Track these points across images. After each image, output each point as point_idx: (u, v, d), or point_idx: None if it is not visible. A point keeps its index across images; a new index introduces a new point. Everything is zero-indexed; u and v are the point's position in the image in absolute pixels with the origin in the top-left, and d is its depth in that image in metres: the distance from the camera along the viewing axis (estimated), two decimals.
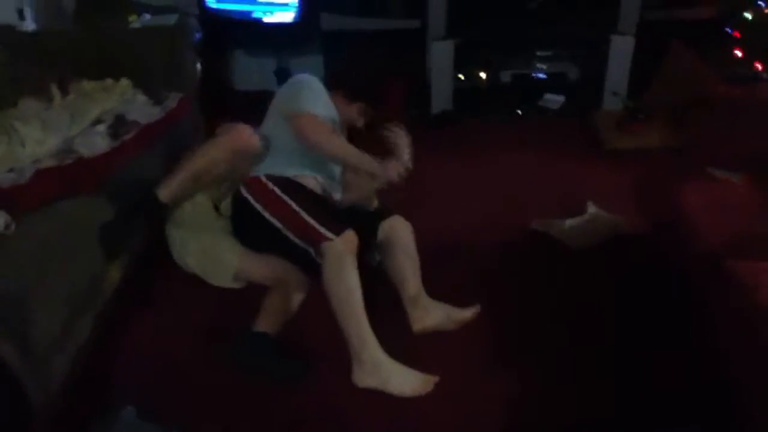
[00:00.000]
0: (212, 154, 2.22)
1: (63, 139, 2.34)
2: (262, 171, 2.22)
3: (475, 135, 3.44)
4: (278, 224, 2.11)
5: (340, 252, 1.99)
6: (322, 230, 2.02)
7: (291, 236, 2.10)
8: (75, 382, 1.83)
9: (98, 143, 2.32)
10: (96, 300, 1.94)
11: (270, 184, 2.17)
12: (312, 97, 2.29)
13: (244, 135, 2.23)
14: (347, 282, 1.98)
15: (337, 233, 2.01)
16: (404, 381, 1.92)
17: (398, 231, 2.27)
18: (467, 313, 2.18)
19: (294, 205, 2.10)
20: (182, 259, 2.36)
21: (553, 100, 3.60)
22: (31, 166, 2.19)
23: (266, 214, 2.13)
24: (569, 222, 2.64)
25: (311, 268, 2.11)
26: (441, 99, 3.54)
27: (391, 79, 3.26)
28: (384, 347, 1.95)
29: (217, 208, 2.37)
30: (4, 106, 2.50)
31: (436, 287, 2.24)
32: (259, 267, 2.31)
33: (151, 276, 2.39)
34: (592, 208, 2.69)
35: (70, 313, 1.79)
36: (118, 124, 2.44)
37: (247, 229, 2.28)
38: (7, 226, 1.89)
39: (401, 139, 2.28)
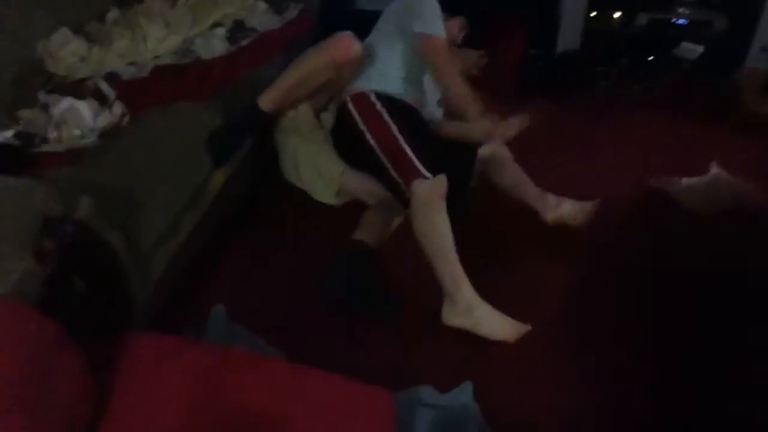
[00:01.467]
0: (313, 64, 2.17)
1: (183, 38, 2.37)
2: (371, 86, 2.16)
3: (598, 81, 3.23)
4: (375, 147, 2.06)
5: (431, 194, 1.93)
6: (419, 165, 1.97)
7: (385, 162, 2.04)
8: (174, 279, 1.89)
9: (216, 46, 2.34)
10: (199, 202, 1.97)
11: (378, 105, 2.11)
12: (439, 20, 2.21)
13: (345, 45, 2.13)
14: (438, 225, 1.92)
15: (433, 173, 1.96)
16: (496, 324, 1.87)
17: (498, 153, 2.28)
18: (592, 206, 2.20)
19: (396, 132, 2.05)
20: (290, 169, 2.35)
21: (691, 49, 3.29)
22: (151, 61, 2.24)
23: (367, 134, 2.08)
24: (687, 181, 2.45)
25: (397, 198, 2.07)
26: (568, 38, 3.32)
27: (514, 21, 3.11)
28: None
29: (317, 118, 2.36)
30: (130, 3, 2.54)
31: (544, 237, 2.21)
32: (362, 184, 2.25)
33: (253, 187, 2.41)
34: (715, 170, 2.48)
35: (174, 211, 1.83)
36: (237, 30, 2.45)
37: (347, 143, 2.24)
38: (123, 116, 1.95)
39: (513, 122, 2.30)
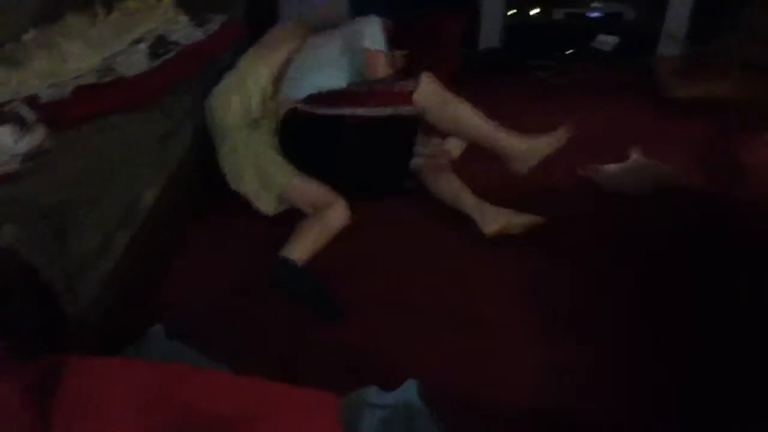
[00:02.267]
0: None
1: (103, 57, 2.34)
2: (318, 88, 2.32)
3: (521, 75, 3.32)
4: (359, 110, 2.19)
5: (433, 88, 2.17)
6: (399, 88, 2.18)
7: (378, 112, 2.17)
8: (109, 300, 1.85)
9: (138, 63, 2.31)
10: (131, 219, 1.95)
11: (325, 91, 2.31)
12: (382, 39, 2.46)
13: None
14: (457, 102, 2.19)
15: (416, 79, 2.16)
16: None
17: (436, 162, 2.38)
18: (531, 218, 2.19)
19: (362, 88, 2.28)
20: (233, 176, 2.36)
21: (606, 41, 3.42)
22: (71, 82, 2.20)
23: (337, 110, 2.21)
24: (610, 167, 2.55)
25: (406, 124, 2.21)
26: (489, 35, 3.41)
27: (447, 13, 3.18)
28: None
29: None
30: (49, 22, 2.49)
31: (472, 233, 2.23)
32: (308, 192, 2.29)
33: (190, 199, 2.39)
34: (635, 155, 2.59)
35: (106, 229, 1.80)
36: (159, 44, 2.42)
37: (312, 140, 2.30)
38: (44, 141, 1.91)
39: None
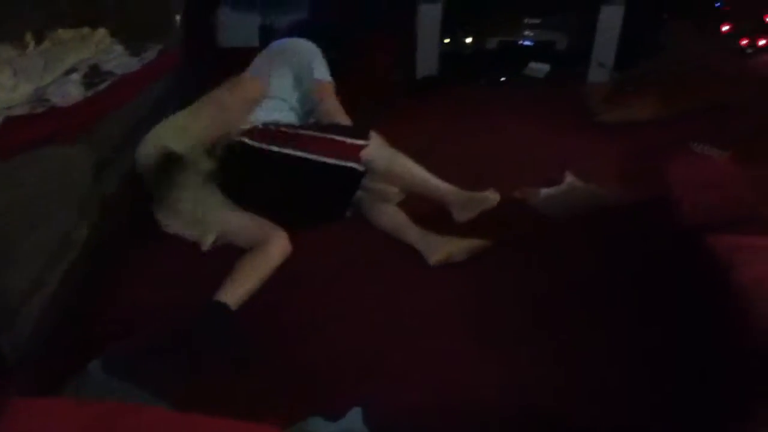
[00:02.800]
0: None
1: (35, 87, 2.29)
2: (262, 119, 2.38)
3: (457, 102, 3.39)
4: (304, 154, 2.21)
5: (381, 148, 2.26)
6: (353, 141, 2.23)
7: (324, 159, 2.20)
8: (46, 334, 1.80)
9: (72, 92, 2.27)
10: (68, 251, 1.90)
11: (273, 127, 2.32)
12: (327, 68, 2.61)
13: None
14: (406, 161, 2.28)
15: (366, 137, 2.24)
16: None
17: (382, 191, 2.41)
18: (476, 242, 2.22)
19: (311, 132, 2.30)
20: (166, 216, 2.33)
21: (539, 68, 3.55)
22: (2, 112, 2.14)
23: (286, 150, 2.22)
24: (545, 191, 2.62)
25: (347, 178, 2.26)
26: (426, 63, 3.49)
27: (380, 36, 3.25)
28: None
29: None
30: None
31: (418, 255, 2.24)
32: (243, 222, 2.27)
33: (124, 231, 2.34)
34: (569, 178, 2.67)
35: (41, 262, 1.75)
36: (93, 74, 2.39)
37: (251, 176, 2.29)
38: None
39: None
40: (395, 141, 2.37)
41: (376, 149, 2.25)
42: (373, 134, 2.27)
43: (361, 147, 2.23)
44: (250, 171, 2.29)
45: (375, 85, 3.28)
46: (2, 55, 2.43)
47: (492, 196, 2.27)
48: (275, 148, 2.24)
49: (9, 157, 1.95)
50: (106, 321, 2.03)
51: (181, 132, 2.37)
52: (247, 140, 2.28)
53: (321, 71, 2.58)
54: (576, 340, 1.91)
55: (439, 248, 2.22)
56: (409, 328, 1.97)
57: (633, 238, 2.30)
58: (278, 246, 2.18)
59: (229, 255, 2.18)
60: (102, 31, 2.67)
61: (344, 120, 2.53)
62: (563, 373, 1.80)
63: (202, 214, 2.28)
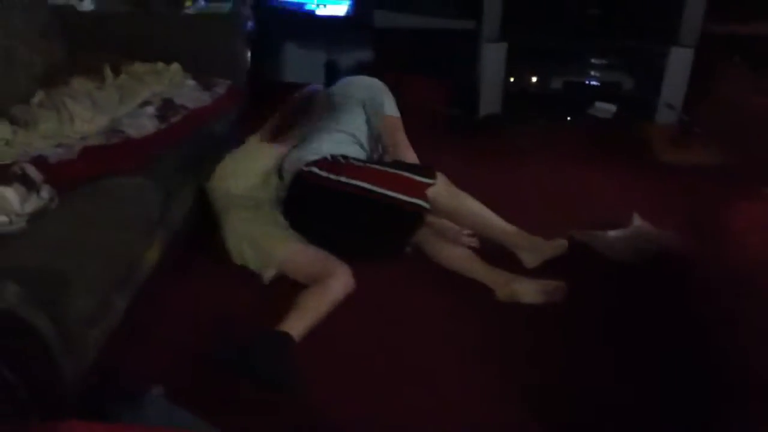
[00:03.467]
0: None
1: (111, 118, 2.37)
2: (329, 151, 2.39)
3: (521, 140, 3.37)
4: (371, 188, 2.23)
5: (448, 189, 2.27)
6: (419, 179, 2.24)
7: (390, 194, 2.22)
8: (108, 361, 1.84)
9: (145, 125, 2.34)
10: (133, 279, 1.95)
11: (343, 159, 2.35)
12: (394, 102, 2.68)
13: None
14: (471, 203, 2.30)
15: (433, 176, 2.25)
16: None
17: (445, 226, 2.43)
18: (550, 283, 2.21)
19: (379, 168, 2.34)
20: (234, 249, 2.38)
21: (604, 109, 3.50)
22: (78, 142, 2.23)
23: (355, 183, 2.25)
24: (612, 234, 2.55)
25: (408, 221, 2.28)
26: (490, 102, 3.48)
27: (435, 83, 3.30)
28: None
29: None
30: (57, 84, 2.54)
31: (477, 292, 2.24)
32: (307, 257, 2.30)
33: (189, 258, 2.40)
34: (637, 221, 2.60)
35: (106, 290, 1.80)
36: (166, 107, 2.46)
37: (319, 205, 2.33)
38: (51, 200, 1.92)
39: None
40: (456, 181, 2.36)
41: (443, 188, 2.27)
42: (439, 174, 2.29)
43: (428, 185, 2.24)
44: (317, 200, 2.33)
45: (433, 125, 3.30)
46: (81, 88, 2.52)
47: (562, 243, 2.29)
48: (343, 179, 2.27)
49: (82, 184, 2.03)
50: (168, 348, 2.07)
51: (237, 173, 2.44)
52: (315, 170, 2.32)
53: (390, 107, 2.65)
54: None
55: (507, 284, 2.23)
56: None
57: (692, 284, 2.23)
58: (342, 282, 2.19)
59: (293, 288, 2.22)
60: (175, 66, 2.76)
61: (412, 155, 2.57)
62: None
63: (269, 246, 2.32)
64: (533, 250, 2.30)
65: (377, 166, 2.37)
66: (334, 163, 2.35)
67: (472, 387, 1.91)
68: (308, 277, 2.24)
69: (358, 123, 2.61)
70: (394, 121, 2.62)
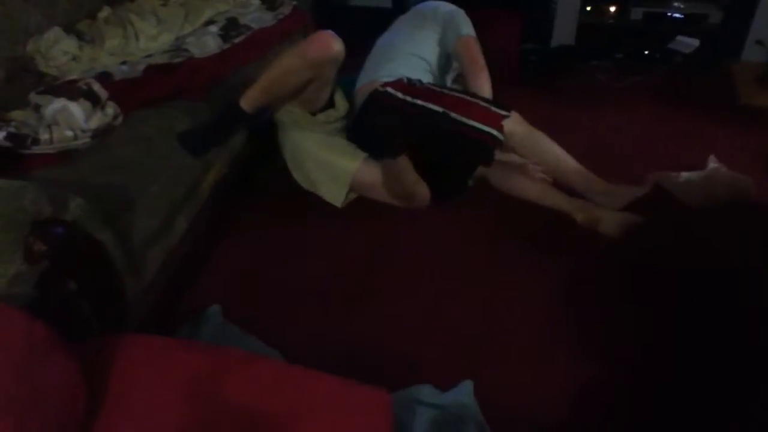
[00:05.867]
0: (289, 64, 2.12)
1: (176, 36, 2.35)
2: (404, 74, 2.33)
3: (595, 77, 3.21)
4: (448, 112, 2.19)
5: (522, 124, 2.22)
6: (496, 110, 2.22)
7: (465, 120, 2.18)
8: (168, 279, 1.87)
9: (209, 44, 2.32)
10: (192, 202, 1.96)
11: (419, 83, 2.31)
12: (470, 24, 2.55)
13: (322, 44, 2.10)
14: (546, 142, 2.24)
15: (508, 109, 2.22)
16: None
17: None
18: (630, 216, 2.18)
19: (457, 94, 2.28)
20: (295, 168, 2.36)
21: (686, 43, 3.27)
22: (143, 60, 2.22)
23: (430, 105, 2.21)
24: (685, 175, 2.42)
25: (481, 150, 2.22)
26: (563, 32, 3.31)
27: (508, 15, 3.15)
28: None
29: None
30: (122, 1, 2.53)
31: (545, 232, 2.20)
32: (378, 177, 2.25)
33: (248, 183, 2.40)
34: (713, 164, 2.46)
35: (166, 210, 1.81)
36: (230, 27, 2.43)
37: (386, 128, 2.24)
38: (115, 117, 1.93)
39: None
40: (529, 119, 2.29)
41: (518, 122, 2.22)
42: (514, 111, 2.23)
43: (504, 117, 2.20)
44: (390, 121, 2.25)
45: (505, 60, 3.16)
46: (147, 5, 2.50)
47: (636, 189, 2.21)
48: (419, 102, 2.22)
49: (147, 105, 2.03)
50: (223, 269, 2.10)
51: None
52: (391, 90, 2.27)
53: (467, 28, 2.53)
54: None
55: (591, 210, 2.20)
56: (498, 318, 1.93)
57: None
58: (423, 196, 2.23)
59: (345, 220, 2.22)
60: None
61: (486, 77, 2.44)
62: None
63: (338, 160, 2.28)
64: (607, 194, 2.22)
65: (455, 93, 2.31)
66: (410, 85, 2.29)
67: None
68: (385, 192, 2.24)
69: (429, 47, 2.52)
70: (471, 42, 2.49)
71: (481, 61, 2.45)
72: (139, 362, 1.29)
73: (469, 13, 2.62)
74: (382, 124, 2.22)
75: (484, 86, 2.42)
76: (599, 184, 2.24)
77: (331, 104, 2.32)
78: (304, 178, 2.35)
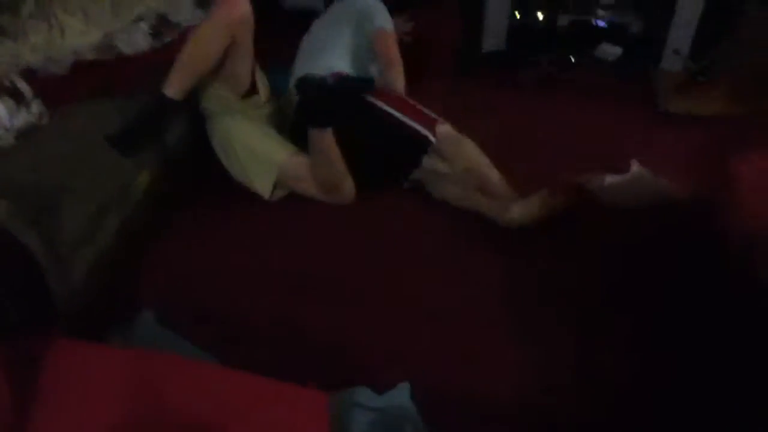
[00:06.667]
0: (201, 34, 2.12)
1: (104, 33, 2.29)
2: (335, 67, 2.37)
3: (520, 81, 3.29)
4: (390, 110, 2.26)
5: (453, 130, 2.29)
6: (431, 114, 2.31)
7: (405, 120, 2.26)
8: (97, 282, 1.82)
9: (139, 42, 2.28)
10: (125, 202, 1.92)
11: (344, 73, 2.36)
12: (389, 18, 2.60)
13: (232, 3, 2.12)
14: (472, 148, 2.28)
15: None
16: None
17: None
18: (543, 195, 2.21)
19: (401, 96, 2.37)
20: (223, 156, 2.31)
21: (610, 51, 3.41)
22: (70, 57, 2.16)
23: (376, 101, 2.28)
24: (609, 179, 2.52)
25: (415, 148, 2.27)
26: (494, 37, 3.39)
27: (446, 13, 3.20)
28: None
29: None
30: None
31: (467, 235, 2.20)
32: (309, 160, 2.25)
33: (182, 183, 2.35)
34: (635, 167, 2.56)
35: (97, 212, 1.77)
36: (161, 24, 2.39)
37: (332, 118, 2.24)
38: (40, 116, 1.87)
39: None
40: (458, 118, 2.35)
41: (448, 128, 2.29)
42: (445, 122, 2.32)
43: (436, 121, 2.28)
44: (322, 92, 2.26)
45: (437, 58, 3.22)
46: (75, 1, 2.42)
47: (557, 198, 2.24)
48: (366, 97, 2.28)
49: (73, 102, 1.97)
50: (157, 271, 2.05)
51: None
52: (331, 81, 2.29)
53: (383, 20, 2.56)
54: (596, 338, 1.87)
55: (510, 209, 2.20)
56: (438, 313, 1.94)
57: (685, 236, 2.23)
58: (349, 190, 2.26)
59: (287, 224, 2.20)
60: None
61: (400, 70, 2.49)
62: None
63: (267, 149, 2.27)
64: (523, 206, 2.24)
65: (388, 91, 2.37)
66: (348, 79, 2.35)
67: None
68: (311, 184, 2.24)
69: (354, 40, 2.55)
70: (385, 35, 2.54)
71: (393, 54, 2.50)
72: (70, 366, 1.26)
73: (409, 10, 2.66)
74: (313, 95, 2.24)
75: (396, 79, 2.46)
76: (516, 199, 2.26)
77: (254, 90, 2.32)
78: (234, 168, 2.30)
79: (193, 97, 2.30)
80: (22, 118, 1.83)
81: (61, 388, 1.23)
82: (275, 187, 2.26)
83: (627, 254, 2.21)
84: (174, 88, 2.08)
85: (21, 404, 1.16)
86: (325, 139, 2.18)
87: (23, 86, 1.89)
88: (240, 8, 2.12)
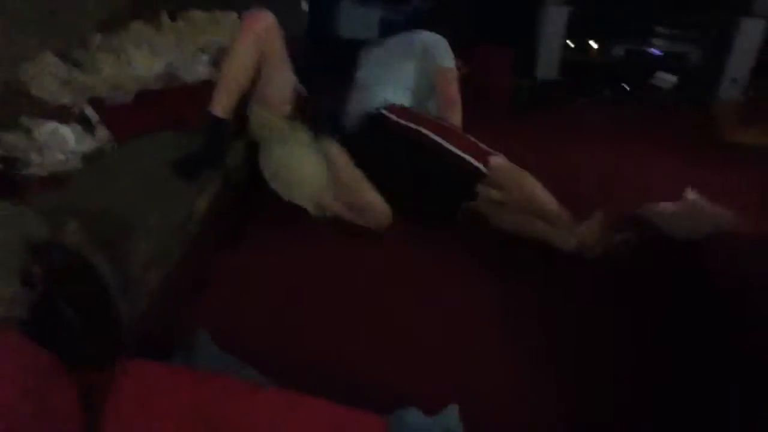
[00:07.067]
0: (233, 51, 2.19)
1: (167, 63, 2.37)
2: (400, 101, 2.41)
3: (577, 114, 3.27)
4: (442, 141, 2.24)
5: (512, 164, 2.23)
6: (485, 147, 2.25)
7: (457, 152, 2.23)
8: (162, 306, 1.85)
9: (200, 71, 2.34)
10: (187, 227, 1.95)
11: (415, 109, 2.41)
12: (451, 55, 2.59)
13: (258, 17, 2.20)
14: (532, 183, 2.21)
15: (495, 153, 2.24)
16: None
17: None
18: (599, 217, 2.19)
19: (450, 126, 2.38)
20: (271, 177, 2.36)
21: (665, 79, 3.37)
22: (135, 86, 2.23)
23: (427, 133, 2.26)
24: (665, 206, 2.46)
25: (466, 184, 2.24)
26: (547, 67, 3.38)
27: (499, 48, 3.22)
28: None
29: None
30: (116, 29, 2.54)
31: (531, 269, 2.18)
32: (348, 189, 2.29)
33: (242, 207, 2.39)
34: (691, 195, 2.50)
35: (162, 236, 1.81)
36: (220, 54, 2.45)
37: (383, 148, 2.32)
38: (106, 141, 1.93)
39: None
40: (512, 153, 2.32)
41: (505, 159, 2.25)
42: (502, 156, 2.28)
43: (491, 153, 2.24)
44: (382, 144, 2.32)
45: (493, 96, 3.22)
46: (139, 32, 2.52)
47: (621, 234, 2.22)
48: (413, 126, 2.28)
49: (139, 128, 2.04)
50: (217, 294, 2.08)
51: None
52: (386, 113, 2.33)
53: (446, 59, 2.58)
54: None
55: (575, 233, 2.18)
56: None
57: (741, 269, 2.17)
58: (380, 213, 2.25)
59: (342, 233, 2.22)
60: (233, 16, 2.74)
61: (457, 112, 2.52)
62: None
63: (304, 177, 2.31)
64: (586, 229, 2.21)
65: (448, 125, 2.38)
66: (406, 109, 2.36)
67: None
68: (348, 207, 2.27)
69: (415, 77, 2.57)
70: (446, 74, 2.56)
71: (452, 93, 2.53)
72: (136, 388, 1.28)
73: (463, 48, 2.67)
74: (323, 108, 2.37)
75: (453, 119, 2.49)
76: (575, 231, 2.21)
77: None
78: (280, 191, 2.36)
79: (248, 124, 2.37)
80: (88, 143, 1.89)
81: (129, 410, 1.25)
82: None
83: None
84: (218, 106, 2.14)
85: (93, 427, 1.18)
86: (339, 157, 2.28)
87: (91, 113, 1.96)
88: (262, 21, 2.19)
